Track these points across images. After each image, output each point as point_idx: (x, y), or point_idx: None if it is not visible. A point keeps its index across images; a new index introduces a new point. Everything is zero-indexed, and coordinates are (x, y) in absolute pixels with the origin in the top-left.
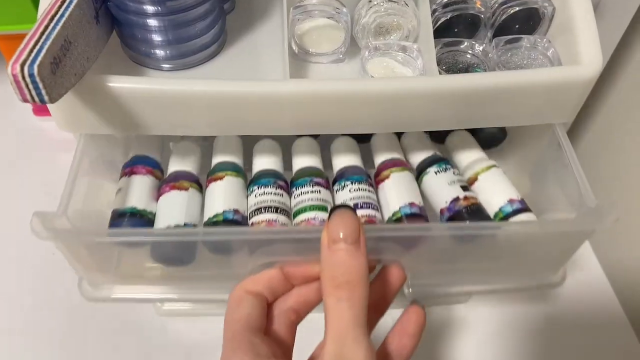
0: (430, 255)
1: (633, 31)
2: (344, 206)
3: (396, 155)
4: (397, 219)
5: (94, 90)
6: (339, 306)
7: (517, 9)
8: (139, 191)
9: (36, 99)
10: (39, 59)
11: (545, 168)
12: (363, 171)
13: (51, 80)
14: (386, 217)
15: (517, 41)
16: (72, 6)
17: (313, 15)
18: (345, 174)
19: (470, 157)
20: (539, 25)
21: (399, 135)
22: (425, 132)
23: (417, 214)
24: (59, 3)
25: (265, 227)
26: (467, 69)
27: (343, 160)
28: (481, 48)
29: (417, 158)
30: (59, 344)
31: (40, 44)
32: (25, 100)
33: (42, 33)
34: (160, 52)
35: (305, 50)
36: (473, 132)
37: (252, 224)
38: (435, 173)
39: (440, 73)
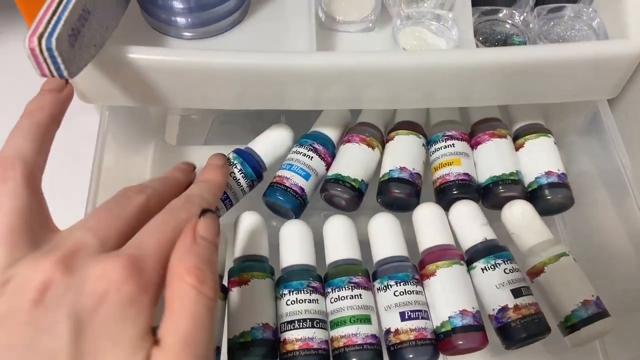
0: None
1: None
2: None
3: (445, 238)
4: (446, 332)
5: (113, 61)
6: (201, 299)
7: None
8: None
9: (55, 73)
10: (57, 31)
11: (583, 143)
12: (408, 265)
13: (70, 53)
14: (434, 324)
15: (560, 10)
16: None
17: None
18: (388, 270)
19: (533, 238)
20: None
21: (447, 208)
22: (479, 199)
23: (470, 326)
24: None
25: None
26: (505, 40)
27: (384, 247)
28: (522, 17)
29: (466, 241)
30: None
31: (57, 14)
32: (43, 75)
33: (59, 3)
34: (181, 20)
35: (332, 18)
36: (535, 199)
37: (285, 340)
38: (483, 270)
39: (476, 44)
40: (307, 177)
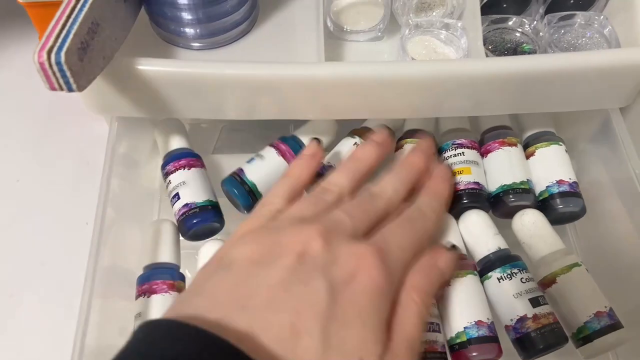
0: None
1: None
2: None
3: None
4: (461, 342)
5: (123, 73)
6: (415, 309)
7: None
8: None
9: (64, 87)
10: (66, 45)
11: (595, 151)
12: None
13: (79, 67)
14: (447, 335)
15: (571, 18)
16: None
17: None
18: None
19: (545, 248)
20: (596, 0)
21: (456, 217)
22: (490, 208)
23: (486, 337)
24: None
25: None
26: (515, 48)
27: None
28: (532, 25)
29: (479, 251)
30: None
31: (67, 28)
32: (52, 89)
33: (69, 16)
34: (190, 31)
35: (340, 27)
36: (546, 209)
37: None
38: (499, 280)
39: (486, 53)
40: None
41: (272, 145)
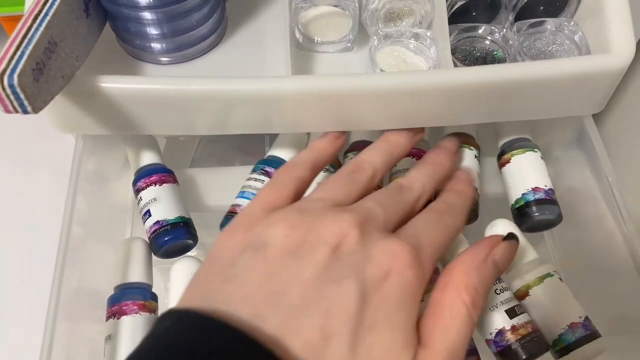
0: None
1: None
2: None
3: None
4: None
5: (86, 91)
6: (469, 320)
7: None
8: (132, 339)
9: (19, 109)
10: (20, 66)
11: (572, 157)
12: None
13: (34, 88)
14: None
15: (541, 24)
16: (57, 3)
17: (317, 2)
18: None
19: (517, 260)
20: (566, 7)
21: None
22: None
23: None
24: (43, 1)
25: None
26: (485, 57)
27: None
28: (502, 33)
29: None
30: None
31: (21, 49)
32: (7, 112)
33: (24, 36)
34: (156, 46)
35: (310, 39)
36: (522, 216)
37: None
38: None
39: (455, 63)
40: None
41: (262, 172)
